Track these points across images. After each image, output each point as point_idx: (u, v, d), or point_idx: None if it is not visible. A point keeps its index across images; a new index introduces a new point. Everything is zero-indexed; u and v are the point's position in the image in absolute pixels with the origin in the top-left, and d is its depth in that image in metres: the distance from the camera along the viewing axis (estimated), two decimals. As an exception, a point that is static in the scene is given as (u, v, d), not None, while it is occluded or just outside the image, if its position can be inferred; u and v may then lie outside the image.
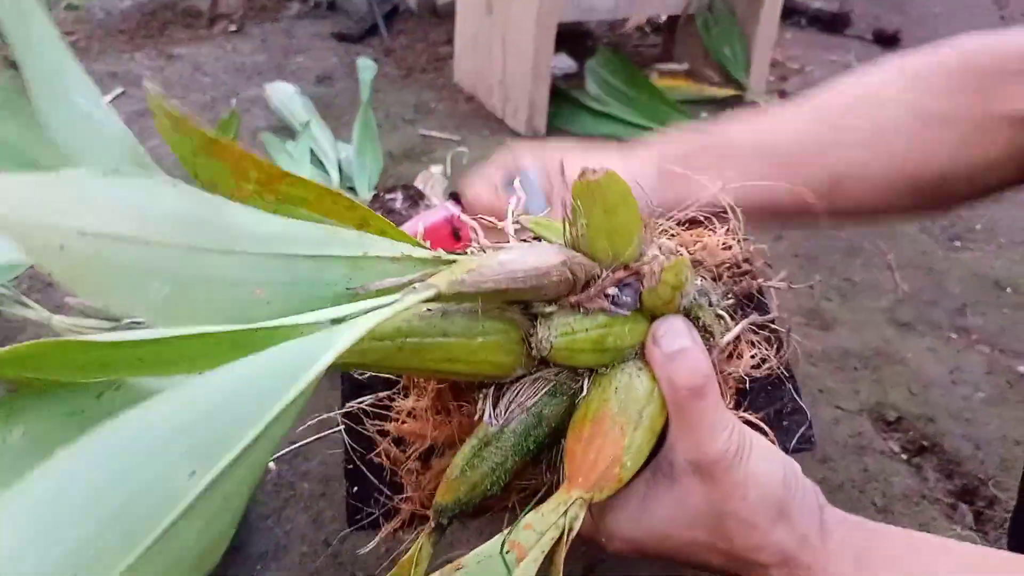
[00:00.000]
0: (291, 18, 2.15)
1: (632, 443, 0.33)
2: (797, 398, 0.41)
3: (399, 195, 1.06)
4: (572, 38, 1.90)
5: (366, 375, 0.40)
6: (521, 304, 0.34)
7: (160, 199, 0.22)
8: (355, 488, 0.40)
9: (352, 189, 1.19)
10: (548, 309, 0.34)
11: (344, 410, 0.39)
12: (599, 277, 0.34)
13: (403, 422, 0.38)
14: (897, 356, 0.97)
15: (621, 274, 0.34)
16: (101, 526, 0.17)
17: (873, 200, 0.51)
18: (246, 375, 0.20)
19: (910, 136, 0.49)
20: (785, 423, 0.40)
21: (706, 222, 0.42)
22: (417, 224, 0.95)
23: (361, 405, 0.38)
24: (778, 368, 0.39)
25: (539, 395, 0.34)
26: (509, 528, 0.31)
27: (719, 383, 0.36)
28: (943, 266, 1.18)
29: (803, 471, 0.37)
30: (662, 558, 0.35)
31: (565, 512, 0.32)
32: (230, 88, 1.69)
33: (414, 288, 0.28)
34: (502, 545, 0.30)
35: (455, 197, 1.01)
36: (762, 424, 0.37)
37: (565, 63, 1.77)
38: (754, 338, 0.39)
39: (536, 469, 0.37)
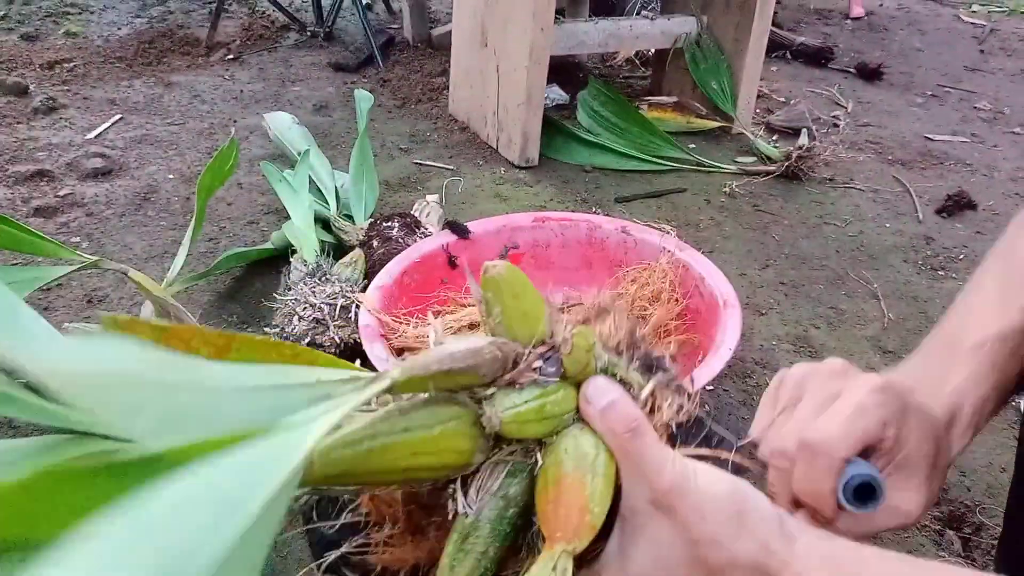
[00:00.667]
0: (289, 48, 2.19)
1: (594, 491, 0.37)
2: (719, 430, 0.45)
3: (396, 223, 1.08)
4: (564, 70, 1.95)
5: (334, 528, 0.43)
6: (466, 391, 0.38)
7: (137, 353, 0.25)
8: None
9: (349, 217, 1.21)
10: (489, 392, 0.38)
11: (322, 562, 0.42)
12: (523, 356, 0.39)
13: (384, 552, 0.41)
14: (883, 383, 0.99)
15: (541, 348, 0.40)
16: None
17: None
18: (238, 466, 0.23)
19: None
20: (721, 452, 0.44)
21: (593, 317, 0.48)
22: (414, 252, 0.97)
23: (337, 554, 0.41)
24: (695, 411, 0.44)
25: (501, 477, 0.39)
26: None
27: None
28: (927, 295, 1.21)
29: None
30: None
31: (555, 567, 0.35)
32: (228, 116, 1.71)
33: (373, 380, 0.32)
34: None
35: (451, 226, 1.03)
36: (702, 451, 0.42)
37: (557, 94, 1.81)
38: (666, 393, 0.44)
39: (517, 557, 0.40)
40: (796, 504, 0.45)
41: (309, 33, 2.26)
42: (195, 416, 0.26)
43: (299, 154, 1.30)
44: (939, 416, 0.47)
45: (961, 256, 1.32)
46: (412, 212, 1.17)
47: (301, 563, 0.71)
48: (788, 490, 0.45)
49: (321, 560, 0.42)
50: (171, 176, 1.44)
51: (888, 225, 1.42)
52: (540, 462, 0.39)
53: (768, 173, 1.55)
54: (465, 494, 0.38)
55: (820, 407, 0.44)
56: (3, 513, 0.21)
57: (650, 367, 0.46)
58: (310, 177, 1.23)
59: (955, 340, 0.51)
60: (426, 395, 0.37)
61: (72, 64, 1.96)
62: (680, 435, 0.43)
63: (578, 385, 0.40)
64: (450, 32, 1.75)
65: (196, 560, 0.19)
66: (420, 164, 1.53)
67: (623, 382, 0.41)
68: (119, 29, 2.26)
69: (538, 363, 0.39)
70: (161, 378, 0.25)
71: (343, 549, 0.41)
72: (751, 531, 0.35)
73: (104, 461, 0.23)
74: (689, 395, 0.45)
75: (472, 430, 0.37)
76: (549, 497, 0.37)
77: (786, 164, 1.54)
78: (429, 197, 1.26)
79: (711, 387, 0.96)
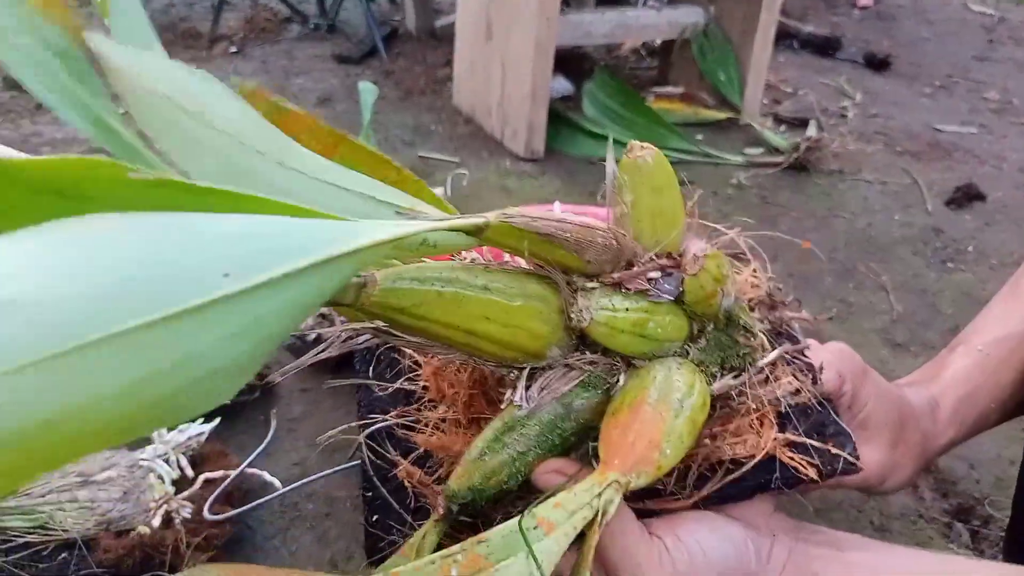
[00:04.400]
0: (292, 40, 2.18)
1: (672, 430, 0.32)
2: (838, 421, 0.40)
3: (401, 217, 1.07)
4: (569, 61, 1.93)
5: (387, 390, 0.38)
6: (566, 274, 0.33)
7: (228, 100, 0.23)
8: (375, 517, 0.36)
9: (354, 210, 1.20)
10: (590, 284, 0.33)
11: (364, 424, 0.37)
12: (641, 259, 0.34)
13: (432, 435, 0.36)
14: (892, 376, 0.98)
15: (664, 261, 0.34)
16: (136, 278, 0.17)
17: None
18: (298, 224, 0.21)
19: None
20: (830, 443, 0.39)
21: (732, 260, 0.41)
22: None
23: (384, 423, 0.36)
24: (814, 397, 0.39)
25: (572, 384, 0.33)
26: (536, 502, 0.29)
27: (751, 407, 0.36)
28: (936, 287, 1.20)
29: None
30: None
31: (600, 494, 0.29)
32: (231, 109, 1.71)
33: (463, 215, 0.28)
34: (521, 519, 0.28)
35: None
36: (807, 440, 0.37)
37: (563, 86, 1.80)
38: (788, 368, 0.39)
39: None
40: None
41: (312, 25, 2.25)
42: (269, 183, 0.23)
43: (304, 147, 1.30)
44: (915, 401, 0.49)
45: (970, 248, 1.31)
46: (417, 205, 1.16)
47: (311, 557, 0.71)
48: None
49: (365, 422, 0.37)
50: (176, 170, 1.43)
51: (897, 217, 1.41)
52: (621, 383, 0.33)
53: (776, 165, 1.54)
54: (528, 387, 0.33)
55: None
56: (44, 182, 0.18)
57: (779, 333, 0.40)
58: (315, 170, 1.23)
59: (957, 344, 0.54)
60: (524, 265, 0.32)
61: (76, 58, 1.95)
62: (793, 417, 0.38)
63: (692, 318, 0.35)
64: (454, 23, 1.74)
65: (201, 278, 0.17)
66: (424, 157, 1.53)
67: (746, 329, 0.36)
68: (122, 22, 2.25)
69: (655, 273, 0.33)
70: (247, 136, 0.23)
71: (391, 419, 0.36)
72: None
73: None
74: (814, 377, 0.40)
75: (555, 317, 0.32)
76: (620, 420, 0.32)
77: (794, 155, 1.53)
78: (435, 190, 1.26)
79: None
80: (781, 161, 1.54)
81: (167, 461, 0.70)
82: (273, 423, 0.83)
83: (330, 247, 0.20)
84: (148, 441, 0.73)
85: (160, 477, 0.68)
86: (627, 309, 0.33)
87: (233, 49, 2.07)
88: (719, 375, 0.36)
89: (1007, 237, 1.34)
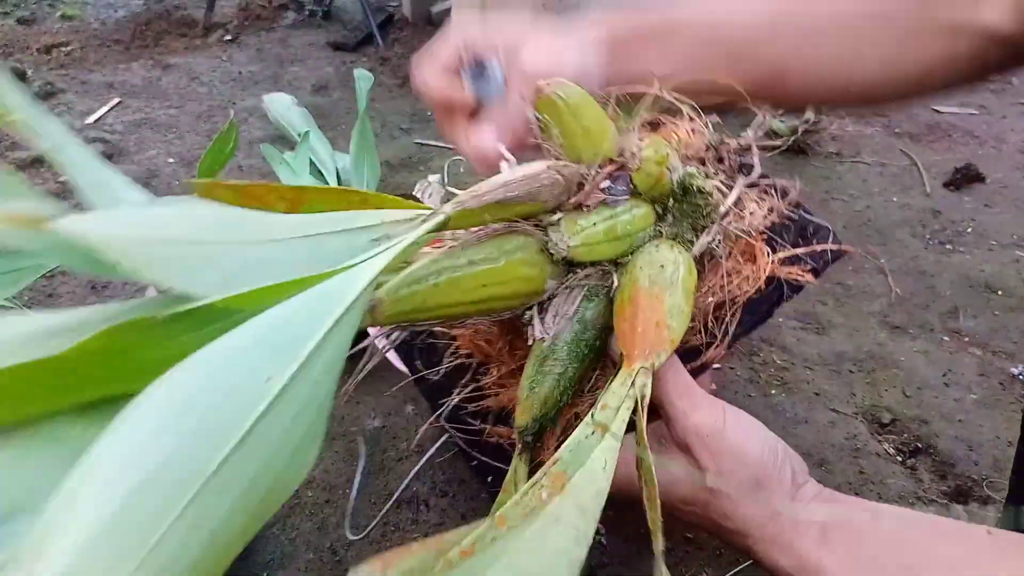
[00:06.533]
0: (287, 28, 2.16)
1: (672, 305, 0.36)
2: (813, 219, 0.45)
3: (398, 204, 1.07)
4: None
5: (440, 374, 0.42)
6: (529, 219, 0.37)
7: (203, 213, 0.27)
8: (489, 478, 0.41)
9: (350, 198, 1.20)
10: (554, 218, 0.37)
11: (439, 412, 0.42)
12: (588, 177, 0.38)
13: (496, 393, 0.40)
14: (891, 359, 0.98)
15: (609, 168, 0.38)
16: (199, 426, 0.21)
17: (812, 95, 0.50)
18: (303, 302, 0.24)
19: (850, 33, 0.47)
20: (815, 242, 0.45)
21: (664, 121, 0.45)
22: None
23: (451, 402, 0.41)
24: (787, 208, 0.44)
25: (577, 301, 0.37)
26: (590, 414, 0.33)
27: (723, 282, 0.40)
28: (934, 269, 1.20)
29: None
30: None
31: (633, 383, 0.33)
32: (227, 98, 1.70)
33: (428, 218, 0.32)
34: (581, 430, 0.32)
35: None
36: (796, 251, 0.42)
37: (559, 71, 1.78)
38: (754, 196, 0.43)
39: (604, 372, 0.39)
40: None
41: (307, 12, 2.23)
42: (261, 267, 0.27)
43: (299, 136, 1.29)
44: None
45: (968, 230, 1.31)
46: (414, 193, 1.16)
47: (310, 545, 0.71)
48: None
49: (438, 411, 0.42)
50: (171, 160, 1.43)
51: (895, 199, 1.40)
52: (616, 283, 0.37)
53: (774, 148, 1.53)
54: (543, 320, 0.37)
55: None
56: (84, 371, 0.22)
57: (735, 169, 0.44)
58: (311, 159, 1.22)
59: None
60: (494, 227, 0.37)
61: (69, 48, 1.94)
62: (776, 233, 0.43)
63: (654, 200, 0.39)
64: (449, 9, 1.72)
65: (245, 406, 0.21)
66: (421, 144, 1.52)
67: (701, 192, 0.40)
68: (115, 11, 2.24)
69: (606, 183, 0.37)
70: (225, 235, 0.26)
71: (455, 398, 0.41)
72: (768, 497, 0.35)
73: (164, 315, 0.24)
74: (781, 191, 0.44)
75: (539, 257, 0.36)
76: (626, 316, 0.36)
77: (792, 139, 1.52)
78: (431, 177, 1.25)
79: (718, 366, 0.96)
80: (779, 144, 1.52)
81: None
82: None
83: (337, 307, 0.24)
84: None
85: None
86: (594, 224, 0.37)
87: (228, 38, 2.06)
88: (695, 239, 0.40)
89: (1006, 218, 1.33)
